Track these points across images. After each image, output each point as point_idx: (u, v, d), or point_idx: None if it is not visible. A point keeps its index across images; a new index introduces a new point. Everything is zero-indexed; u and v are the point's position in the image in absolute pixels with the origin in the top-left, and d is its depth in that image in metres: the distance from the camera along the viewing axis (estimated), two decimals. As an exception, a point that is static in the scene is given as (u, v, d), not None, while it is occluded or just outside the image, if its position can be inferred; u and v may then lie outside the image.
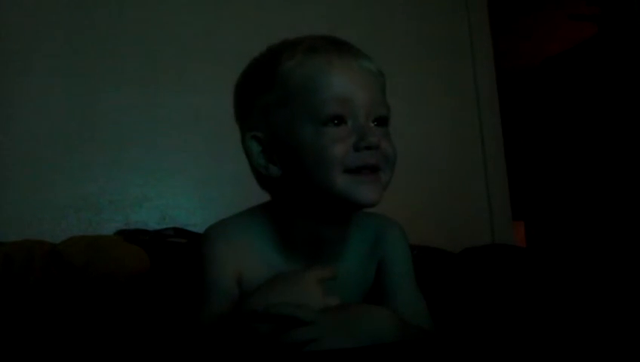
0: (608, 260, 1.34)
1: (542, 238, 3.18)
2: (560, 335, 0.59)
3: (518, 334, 0.61)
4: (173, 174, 1.65)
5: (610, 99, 2.67)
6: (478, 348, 0.54)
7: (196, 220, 1.60)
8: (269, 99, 0.79)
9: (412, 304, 0.84)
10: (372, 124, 0.78)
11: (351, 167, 0.75)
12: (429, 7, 2.06)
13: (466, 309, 1.12)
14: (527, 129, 3.24)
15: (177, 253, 1.27)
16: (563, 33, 3.41)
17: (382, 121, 0.79)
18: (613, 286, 1.13)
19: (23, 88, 1.56)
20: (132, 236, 1.34)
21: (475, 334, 0.65)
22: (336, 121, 0.75)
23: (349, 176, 0.75)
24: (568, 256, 1.46)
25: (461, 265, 1.36)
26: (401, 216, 0.95)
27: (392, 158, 0.79)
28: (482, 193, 2.03)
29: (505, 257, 1.39)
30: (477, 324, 1.05)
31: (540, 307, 1.09)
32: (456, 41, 2.09)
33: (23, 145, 1.54)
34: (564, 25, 3.32)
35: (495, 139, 2.09)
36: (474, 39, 2.10)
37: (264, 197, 0.86)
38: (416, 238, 1.33)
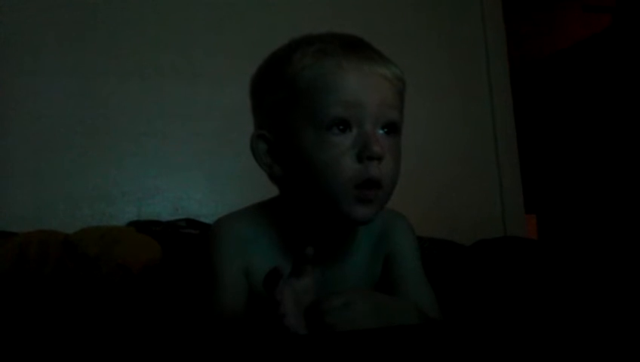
0: (620, 254, 1.33)
1: (554, 233, 3.16)
2: (570, 328, 0.59)
3: (529, 326, 0.61)
4: (185, 166, 1.66)
5: (625, 91, 2.64)
6: (488, 338, 0.54)
7: (208, 212, 1.61)
8: (277, 99, 0.78)
9: (421, 297, 0.83)
10: (380, 131, 0.75)
11: (355, 184, 0.73)
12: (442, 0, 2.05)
13: (477, 302, 1.12)
14: (540, 122, 3.21)
15: (189, 243, 1.28)
16: (577, 24, 3.38)
17: (392, 128, 0.76)
18: (625, 280, 1.12)
19: (36, 80, 1.57)
20: (144, 227, 1.35)
21: (485, 325, 0.64)
22: (341, 127, 0.73)
23: (352, 193, 0.73)
24: (580, 250, 1.45)
25: (473, 257, 1.36)
26: (413, 208, 0.95)
27: (390, 178, 0.76)
28: (495, 187, 2.02)
29: (517, 250, 1.38)
30: (488, 316, 1.04)
31: (551, 300, 1.09)
32: (469, 34, 2.07)
33: (36, 137, 1.55)
34: (578, 16, 3.29)
35: (508, 133, 2.07)
36: (487, 32, 2.09)
37: (274, 190, 0.86)
38: (428, 231, 1.33)
